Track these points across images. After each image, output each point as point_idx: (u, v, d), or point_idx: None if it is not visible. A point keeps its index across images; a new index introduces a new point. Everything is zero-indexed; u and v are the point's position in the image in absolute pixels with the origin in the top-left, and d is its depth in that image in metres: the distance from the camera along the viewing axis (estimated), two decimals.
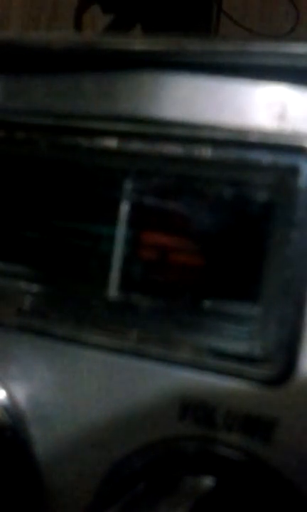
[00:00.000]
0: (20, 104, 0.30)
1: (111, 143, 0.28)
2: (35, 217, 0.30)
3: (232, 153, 0.26)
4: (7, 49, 0.30)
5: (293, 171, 0.25)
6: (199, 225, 0.27)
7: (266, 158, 0.25)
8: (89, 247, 0.29)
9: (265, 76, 0.25)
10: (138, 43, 0.28)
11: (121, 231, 0.28)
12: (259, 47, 0.25)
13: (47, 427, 0.29)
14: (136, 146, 0.27)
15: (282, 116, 0.25)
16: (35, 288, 0.30)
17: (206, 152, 0.26)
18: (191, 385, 0.26)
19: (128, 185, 0.28)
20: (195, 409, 0.26)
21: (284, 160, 0.25)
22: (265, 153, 0.25)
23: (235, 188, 0.26)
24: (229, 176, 0.26)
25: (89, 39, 0.30)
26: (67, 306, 0.29)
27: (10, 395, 0.29)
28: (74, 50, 0.29)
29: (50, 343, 0.29)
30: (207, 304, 0.27)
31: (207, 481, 0.25)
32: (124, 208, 0.28)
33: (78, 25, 0.71)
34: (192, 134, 0.26)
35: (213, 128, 0.26)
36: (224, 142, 0.26)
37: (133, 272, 0.28)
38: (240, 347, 0.26)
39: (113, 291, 0.28)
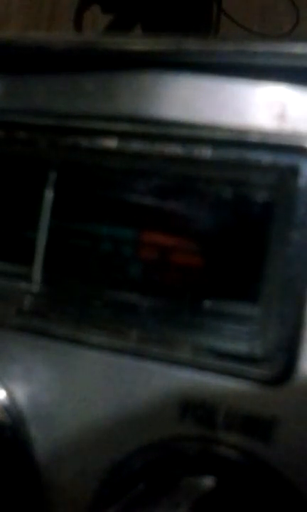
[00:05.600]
0: (20, 104, 0.30)
1: (111, 143, 0.28)
2: (35, 217, 0.30)
3: (232, 153, 0.26)
4: (7, 49, 0.30)
5: (293, 171, 0.25)
6: (199, 225, 0.27)
7: (266, 158, 0.25)
8: (89, 247, 0.29)
9: (265, 76, 0.25)
10: (138, 43, 0.28)
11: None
12: (259, 47, 0.25)
13: (47, 427, 0.29)
14: (136, 146, 0.27)
15: (282, 116, 0.25)
16: (35, 288, 0.30)
17: (206, 152, 0.26)
18: (191, 385, 0.26)
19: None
20: (195, 409, 0.26)
21: (284, 160, 0.25)
22: (265, 153, 0.25)
23: (235, 188, 0.26)
24: (229, 175, 0.26)
25: (89, 39, 0.30)
26: (67, 306, 0.29)
27: (10, 395, 0.29)
28: (74, 50, 0.29)
29: (50, 343, 0.29)
30: (207, 303, 0.27)
31: (207, 481, 0.25)
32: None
33: (78, 25, 0.71)
34: (192, 134, 0.26)
35: (213, 128, 0.26)
36: (224, 142, 0.26)
37: (133, 272, 0.28)
38: (240, 347, 0.26)
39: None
